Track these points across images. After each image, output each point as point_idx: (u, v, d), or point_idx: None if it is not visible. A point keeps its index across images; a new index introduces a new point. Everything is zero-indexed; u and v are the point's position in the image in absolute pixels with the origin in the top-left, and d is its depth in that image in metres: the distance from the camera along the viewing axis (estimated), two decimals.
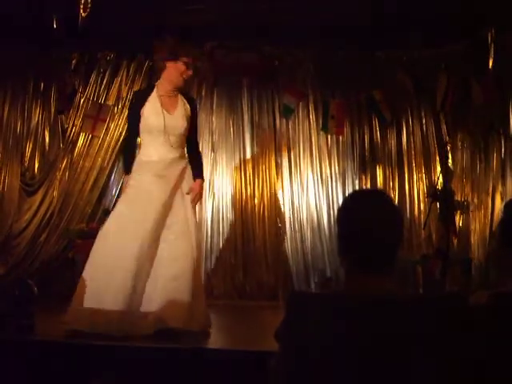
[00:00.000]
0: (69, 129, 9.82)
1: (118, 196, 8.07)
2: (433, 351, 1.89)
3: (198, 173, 6.19)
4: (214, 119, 9.96)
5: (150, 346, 5.14)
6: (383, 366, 1.88)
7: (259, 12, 8.68)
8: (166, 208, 5.83)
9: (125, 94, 9.86)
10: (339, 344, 1.89)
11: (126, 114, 9.50)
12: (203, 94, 9.96)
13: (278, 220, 9.73)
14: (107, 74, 9.91)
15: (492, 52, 8.41)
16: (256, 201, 9.75)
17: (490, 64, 8.37)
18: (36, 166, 9.79)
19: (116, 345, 5.09)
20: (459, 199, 9.09)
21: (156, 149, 5.93)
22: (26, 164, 9.76)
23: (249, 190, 9.77)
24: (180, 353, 4.98)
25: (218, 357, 4.90)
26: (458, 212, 8.94)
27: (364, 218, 2.04)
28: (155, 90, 6.06)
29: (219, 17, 8.83)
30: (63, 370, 4.71)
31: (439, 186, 8.38)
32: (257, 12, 8.68)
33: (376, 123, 9.68)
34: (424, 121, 9.61)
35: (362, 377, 1.89)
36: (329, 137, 9.74)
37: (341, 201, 9.44)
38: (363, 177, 9.73)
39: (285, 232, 9.68)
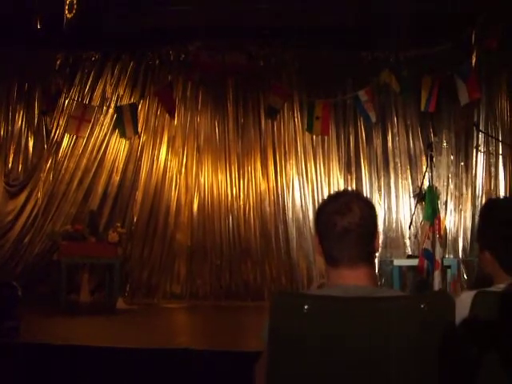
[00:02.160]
0: (53, 130, 9.78)
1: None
2: (417, 350, 1.90)
3: None
4: (198, 119, 9.95)
5: (136, 348, 5.12)
6: (366, 366, 1.88)
7: (245, 13, 8.69)
8: None
9: (109, 95, 9.84)
10: (324, 344, 1.90)
11: (112, 113, 9.53)
12: (188, 94, 9.96)
13: (264, 220, 9.73)
14: (92, 74, 9.89)
15: (475, 52, 8.48)
16: (241, 201, 9.75)
17: (474, 64, 8.43)
18: (20, 167, 9.73)
19: (103, 346, 5.07)
20: (445, 199, 9.14)
21: None
22: (10, 165, 9.70)
23: (234, 190, 9.77)
24: (167, 354, 4.97)
25: (204, 358, 4.89)
26: (444, 211, 8.98)
27: (329, 213, 2.12)
28: None
29: (205, 17, 8.82)
30: (50, 372, 4.68)
31: (424, 186, 8.40)
32: (242, 13, 8.69)
33: (361, 124, 9.70)
34: (409, 121, 9.65)
35: (347, 377, 1.89)
36: (314, 137, 9.75)
37: None
38: (348, 177, 9.75)
39: (270, 232, 9.68)
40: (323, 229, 2.13)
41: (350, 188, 9.55)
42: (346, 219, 2.06)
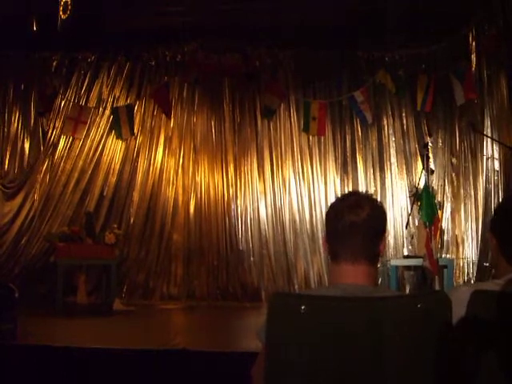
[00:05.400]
0: (49, 131, 9.77)
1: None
2: (414, 349, 1.90)
3: None
4: (195, 120, 9.94)
5: (134, 349, 5.12)
6: (364, 366, 1.88)
7: (240, 13, 8.68)
8: None
9: (106, 96, 9.83)
10: (321, 344, 1.90)
11: (108, 115, 9.52)
12: (184, 94, 9.95)
13: (260, 221, 9.72)
14: (88, 76, 9.88)
15: (472, 52, 8.49)
16: (238, 202, 9.75)
17: (471, 63, 8.45)
18: (16, 169, 9.71)
19: (100, 348, 5.06)
20: (441, 198, 9.14)
21: None
22: (6, 167, 9.68)
23: (231, 191, 9.76)
24: (164, 355, 4.96)
25: (202, 358, 4.88)
26: (440, 211, 8.99)
27: (339, 207, 2.14)
28: None
29: (201, 18, 8.82)
30: (47, 374, 4.68)
31: (420, 186, 8.41)
32: (238, 13, 8.68)
33: (357, 123, 9.69)
34: (405, 121, 9.65)
35: (345, 377, 1.89)
36: (310, 137, 9.75)
37: (323, 201, 9.52)
38: (345, 177, 9.75)
39: (267, 233, 9.67)
40: (331, 223, 2.17)
41: (346, 188, 9.58)
42: (355, 214, 2.09)
